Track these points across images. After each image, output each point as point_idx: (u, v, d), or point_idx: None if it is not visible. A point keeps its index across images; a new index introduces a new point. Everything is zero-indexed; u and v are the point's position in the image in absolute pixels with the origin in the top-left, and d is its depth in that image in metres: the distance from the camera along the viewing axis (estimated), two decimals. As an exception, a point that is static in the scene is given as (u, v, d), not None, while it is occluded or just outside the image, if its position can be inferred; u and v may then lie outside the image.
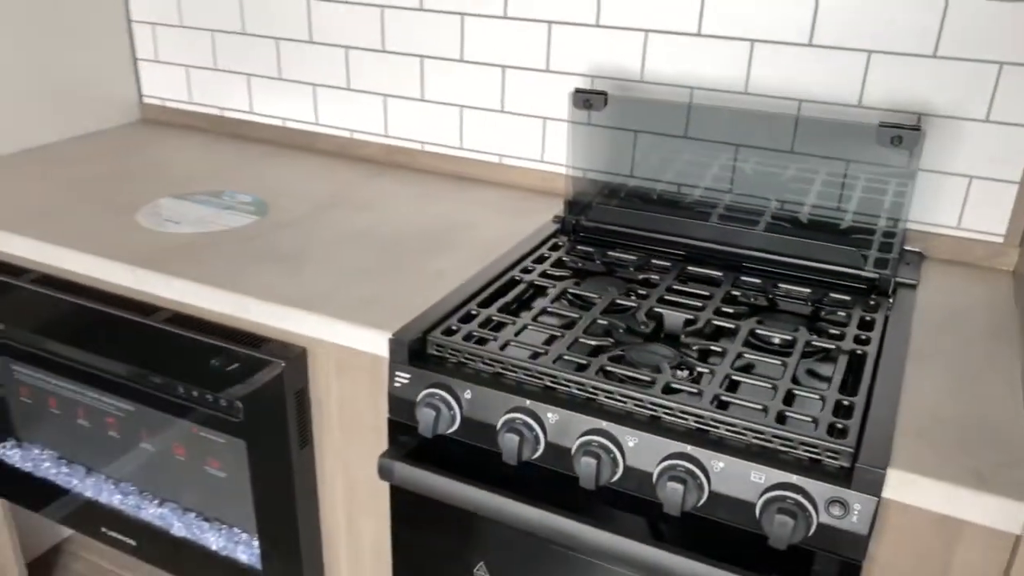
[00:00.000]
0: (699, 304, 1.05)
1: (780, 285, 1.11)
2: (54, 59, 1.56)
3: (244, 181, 1.42)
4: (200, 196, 1.34)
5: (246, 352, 1.03)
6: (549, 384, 0.89)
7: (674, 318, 1.02)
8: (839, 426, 0.81)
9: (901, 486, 0.75)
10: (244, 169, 1.48)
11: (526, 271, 1.13)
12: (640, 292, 1.09)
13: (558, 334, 0.97)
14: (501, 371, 0.92)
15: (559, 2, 1.29)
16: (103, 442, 1.24)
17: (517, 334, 0.97)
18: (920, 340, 0.97)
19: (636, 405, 0.85)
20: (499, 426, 0.89)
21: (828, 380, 0.92)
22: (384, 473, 0.94)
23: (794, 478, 0.77)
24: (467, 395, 0.91)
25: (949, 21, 1.08)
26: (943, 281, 1.13)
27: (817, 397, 0.86)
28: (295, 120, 1.61)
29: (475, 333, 0.96)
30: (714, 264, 1.17)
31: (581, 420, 0.86)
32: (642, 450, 0.83)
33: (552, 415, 0.87)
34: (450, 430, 0.93)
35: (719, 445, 0.81)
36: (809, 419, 0.82)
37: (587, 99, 1.20)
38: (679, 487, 0.79)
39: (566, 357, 0.92)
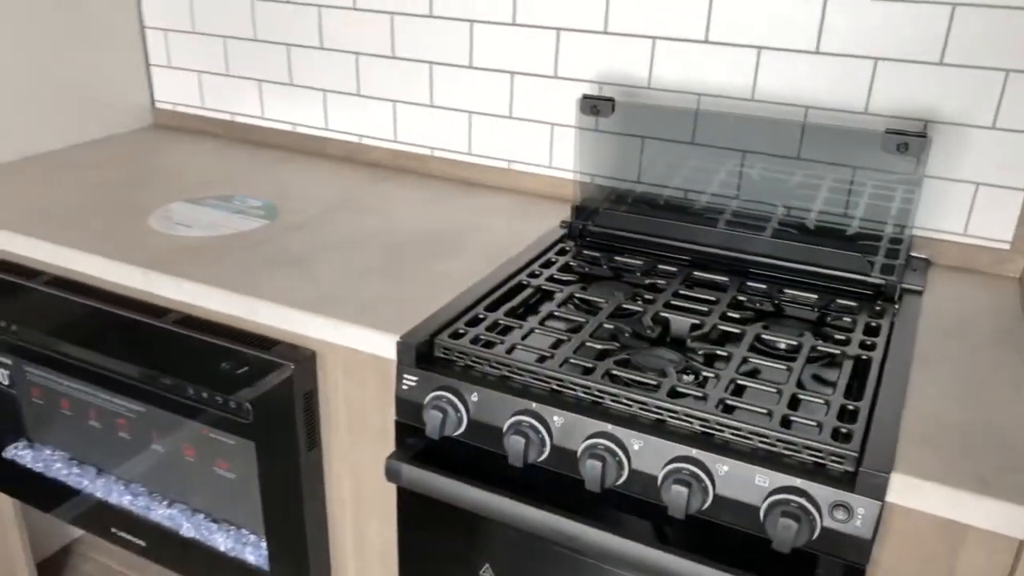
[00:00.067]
0: (705, 309, 1.06)
1: (786, 291, 1.12)
2: (68, 65, 1.58)
3: (255, 185, 1.44)
4: (211, 200, 1.36)
5: (256, 354, 1.04)
6: (555, 387, 0.90)
7: (680, 323, 1.02)
8: (843, 430, 0.81)
9: (905, 490, 0.75)
10: (255, 173, 1.50)
11: (533, 275, 1.14)
12: (646, 297, 1.10)
13: (564, 338, 0.97)
14: (508, 374, 0.93)
15: (567, 9, 1.30)
16: (113, 443, 1.26)
17: (524, 338, 0.98)
18: (926, 346, 0.98)
19: (641, 409, 0.86)
20: (505, 429, 0.89)
21: (833, 385, 0.92)
22: (391, 475, 0.95)
23: (798, 482, 0.78)
24: (474, 398, 0.92)
25: (955, 29, 1.08)
26: (949, 287, 1.13)
27: (822, 402, 0.86)
28: (305, 125, 1.62)
29: (482, 336, 0.97)
30: (720, 269, 1.17)
31: (587, 423, 0.86)
32: (647, 453, 0.84)
33: (558, 418, 0.88)
34: (457, 432, 0.93)
35: (724, 449, 0.81)
36: (814, 423, 0.82)
37: (595, 105, 1.21)
38: (684, 490, 0.80)
39: (572, 361, 0.93)
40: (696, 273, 1.16)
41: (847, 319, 1.05)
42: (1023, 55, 1.07)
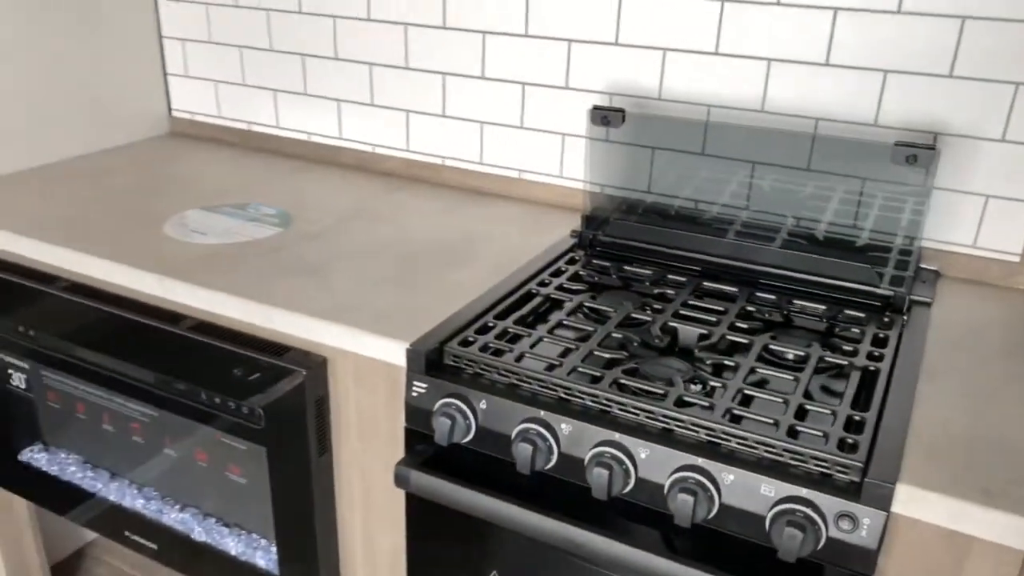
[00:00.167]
0: (714, 319, 1.06)
1: (795, 301, 1.12)
2: (87, 73, 1.61)
3: (269, 194, 1.45)
4: (226, 208, 1.37)
5: (268, 360, 1.05)
6: (563, 396, 0.91)
7: (689, 332, 1.03)
8: (850, 441, 0.81)
9: (910, 501, 0.76)
10: (269, 182, 1.52)
11: (543, 284, 1.14)
12: (655, 307, 1.10)
13: (573, 347, 0.98)
14: (516, 382, 0.93)
15: (579, 21, 1.32)
16: (127, 447, 1.27)
17: (533, 346, 0.99)
18: (934, 357, 0.98)
19: (648, 417, 0.87)
20: (513, 436, 0.90)
21: (840, 396, 0.92)
22: (400, 481, 0.96)
23: (804, 492, 0.78)
24: (482, 405, 0.93)
25: (965, 41, 1.09)
26: (958, 299, 1.13)
27: (828, 412, 0.87)
28: (320, 135, 1.64)
29: (491, 344, 0.98)
30: (730, 280, 1.18)
31: (594, 431, 0.87)
32: (654, 462, 0.84)
33: (566, 426, 0.88)
34: (465, 439, 0.94)
35: (730, 458, 0.82)
36: (820, 434, 0.83)
37: (605, 116, 1.22)
38: (690, 499, 0.80)
39: (580, 369, 0.93)
40: (705, 283, 1.17)
41: (855, 330, 1.05)
42: (1033, 68, 1.07)
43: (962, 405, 0.88)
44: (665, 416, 0.86)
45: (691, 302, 1.11)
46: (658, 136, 1.28)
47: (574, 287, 1.15)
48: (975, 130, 1.12)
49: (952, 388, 0.92)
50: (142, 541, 1.32)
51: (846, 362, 0.97)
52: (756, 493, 0.80)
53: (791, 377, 0.93)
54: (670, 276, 1.19)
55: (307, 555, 1.14)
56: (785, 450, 0.81)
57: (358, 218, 1.35)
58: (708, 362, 0.97)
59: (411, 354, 0.96)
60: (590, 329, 1.03)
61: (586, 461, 0.87)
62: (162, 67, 1.76)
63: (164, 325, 1.12)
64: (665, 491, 0.84)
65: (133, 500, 1.29)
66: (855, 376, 0.94)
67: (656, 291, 1.15)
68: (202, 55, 1.71)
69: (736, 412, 0.86)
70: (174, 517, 1.26)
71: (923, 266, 1.20)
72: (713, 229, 1.25)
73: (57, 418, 1.34)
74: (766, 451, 0.82)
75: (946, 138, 1.14)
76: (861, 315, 1.08)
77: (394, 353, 0.98)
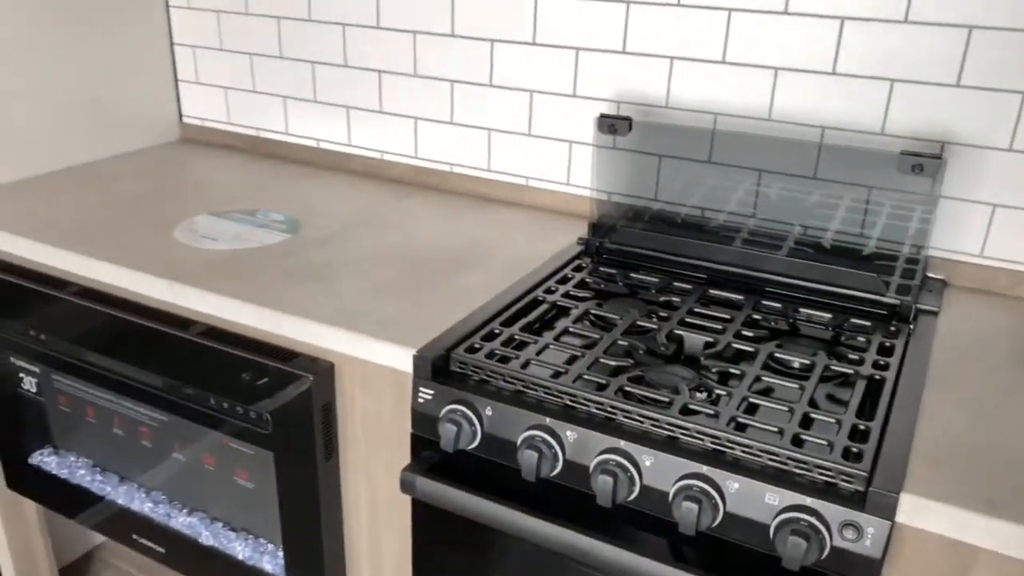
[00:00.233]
0: (720, 327, 1.06)
1: (801, 310, 1.12)
2: (100, 80, 1.62)
3: (278, 200, 1.46)
4: (236, 214, 1.38)
5: (276, 366, 1.06)
6: (569, 403, 0.91)
7: (694, 340, 1.03)
8: (854, 450, 0.81)
9: (914, 511, 0.76)
10: (279, 188, 1.53)
11: (549, 291, 1.15)
12: (661, 314, 1.11)
13: (579, 354, 0.99)
14: (522, 389, 0.94)
15: (586, 29, 1.32)
16: (136, 451, 1.28)
17: (539, 353, 0.99)
18: (940, 367, 0.98)
19: (653, 425, 0.87)
20: (519, 443, 0.91)
21: (845, 404, 0.92)
22: (406, 487, 0.96)
23: (808, 500, 0.78)
24: (488, 412, 0.93)
25: (972, 51, 1.09)
26: (966, 309, 1.13)
27: (833, 421, 0.87)
28: (329, 141, 1.65)
29: (497, 351, 0.98)
30: (736, 288, 1.18)
31: (599, 439, 0.87)
32: (658, 470, 0.85)
33: (571, 433, 0.89)
34: (471, 446, 0.95)
35: (735, 466, 0.82)
36: (825, 442, 0.83)
37: (612, 124, 1.22)
38: (694, 507, 0.80)
39: (586, 377, 0.94)
40: (711, 291, 1.17)
41: (861, 339, 1.05)
42: (1040, 78, 1.07)
43: (968, 415, 0.88)
44: (670, 424, 0.86)
45: (697, 310, 1.11)
46: (665, 144, 1.28)
47: (580, 294, 1.16)
48: (982, 139, 1.12)
49: (958, 398, 0.92)
50: (150, 545, 1.33)
51: (852, 371, 0.97)
52: (760, 501, 0.80)
53: (796, 386, 0.93)
54: (676, 284, 1.19)
55: (313, 560, 1.14)
56: (790, 459, 0.81)
57: (366, 224, 1.36)
58: (714, 370, 0.97)
59: (418, 360, 0.97)
60: (596, 336, 1.03)
61: (591, 468, 0.87)
62: (173, 74, 1.78)
63: (173, 330, 1.13)
64: (670, 499, 0.84)
65: (141, 504, 1.30)
66: (860, 385, 0.94)
67: (662, 299, 1.15)
68: (213, 62, 1.72)
69: (741, 420, 0.86)
70: (182, 521, 1.26)
71: (930, 275, 1.20)
72: (719, 237, 1.25)
73: (67, 422, 1.35)
74: (771, 459, 0.82)
75: (953, 147, 1.14)
76: (867, 324, 1.08)
77: (401, 359, 0.99)
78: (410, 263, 1.21)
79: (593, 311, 1.10)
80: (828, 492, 0.79)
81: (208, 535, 1.24)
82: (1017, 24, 1.06)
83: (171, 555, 1.31)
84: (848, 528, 0.77)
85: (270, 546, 1.19)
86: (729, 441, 0.83)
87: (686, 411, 0.87)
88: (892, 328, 1.07)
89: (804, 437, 0.84)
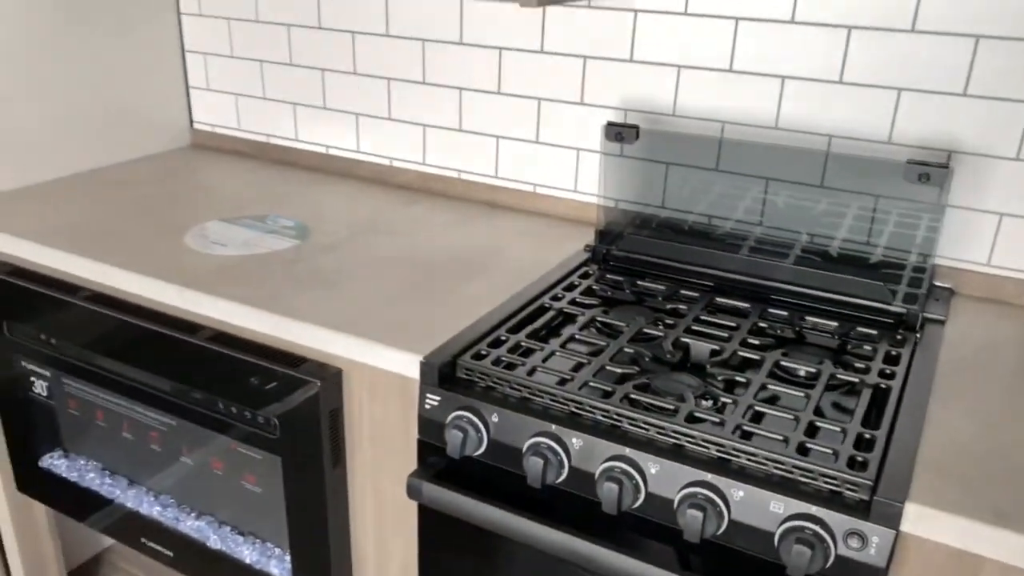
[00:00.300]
0: (726, 335, 1.06)
1: (807, 318, 1.12)
2: (111, 86, 1.64)
3: (288, 206, 1.47)
4: (245, 220, 1.39)
5: (284, 371, 1.06)
6: (575, 410, 0.92)
7: (700, 348, 1.04)
8: (859, 459, 0.81)
9: (920, 520, 0.76)
10: (288, 194, 1.54)
11: (556, 298, 1.15)
12: (668, 322, 1.11)
13: (585, 361, 0.99)
14: (528, 396, 0.94)
15: (594, 37, 1.33)
16: (145, 455, 1.29)
17: (545, 360, 1.00)
18: (946, 376, 0.98)
19: (659, 433, 0.87)
20: (525, 450, 0.91)
21: (851, 413, 0.92)
22: (412, 492, 0.97)
23: (813, 509, 0.79)
24: (494, 418, 0.93)
25: (979, 60, 1.09)
26: (972, 318, 1.13)
27: (839, 429, 0.87)
28: (338, 148, 1.66)
29: (504, 358, 0.99)
30: (742, 296, 1.18)
31: (605, 446, 0.88)
32: (664, 477, 0.85)
33: (577, 440, 0.89)
34: (477, 452, 0.95)
35: (740, 474, 0.82)
36: (830, 451, 0.83)
37: (619, 132, 1.23)
38: (699, 514, 0.81)
39: (592, 384, 0.94)
40: (718, 299, 1.17)
41: (867, 347, 1.05)
42: (1048, 87, 1.07)
43: (974, 424, 0.88)
44: (676, 432, 0.86)
45: (703, 317, 1.11)
46: (672, 152, 1.29)
47: (587, 301, 1.16)
48: (989, 148, 1.12)
49: (964, 407, 0.91)
50: (158, 548, 1.34)
51: (857, 379, 0.97)
52: (765, 510, 0.81)
53: (802, 394, 0.94)
54: (683, 291, 1.20)
55: (320, 564, 1.15)
56: (795, 467, 0.81)
57: (374, 231, 1.37)
58: (719, 378, 0.98)
59: (424, 367, 0.97)
60: (602, 344, 1.03)
61: (596, 475, 0.88)
62: (184, 80, 1.79)
63: (182, 335, 1.14)
64: (675, 506, 0.84)
65: (150, 507, 1.31)
66: (866, 394, 0.94)
67: (669, 306, 1.16)
68: (223, 69, 1.74)
69: (747, 428, 0.87)
70: (190, 525, 1.27)
71: (937, 284, 1.20)
72: (726, 245, 1.25)
73: (77, 425, 1.36)
74: (776, 468, 0.82)
75: (960, 156, 1.14)
76: (873, 332, 1.08)
77: (408, 366, 0.99)
78: (418, 269, 1.22)
79: (599, 318, 1.10)
80: (833, 501, 0.79)
81: (216, 539, 1.25)
82: (1024, 34, 1.06)
83: (179, 558, 1.32)
84: (853, 537, 0.77)
85: (277, 550, 1.20)
86: (734, 449, 0.84)
87: (692, 419, 0.88)
88: (898, 337, 1.07)
89: (809, 446, 0.84)
